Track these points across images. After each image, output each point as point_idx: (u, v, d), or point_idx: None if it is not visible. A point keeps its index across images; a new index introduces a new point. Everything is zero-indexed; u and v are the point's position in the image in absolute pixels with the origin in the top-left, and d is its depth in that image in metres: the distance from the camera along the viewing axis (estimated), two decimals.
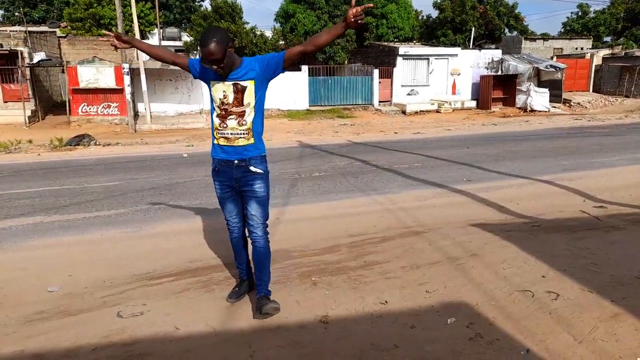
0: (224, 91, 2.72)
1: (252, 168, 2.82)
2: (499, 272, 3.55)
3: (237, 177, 2.84)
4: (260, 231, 2.87)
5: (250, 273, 3.23)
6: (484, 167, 8.14)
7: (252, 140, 2.80)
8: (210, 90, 2.80)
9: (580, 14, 41.49)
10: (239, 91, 2.71)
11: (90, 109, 16.98)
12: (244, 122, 2.76)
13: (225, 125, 2.77)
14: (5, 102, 16.95)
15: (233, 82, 2.70)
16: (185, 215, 5.48)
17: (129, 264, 3.93)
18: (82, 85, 16.64)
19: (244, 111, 2.75)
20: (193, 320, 2.93)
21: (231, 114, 2.75)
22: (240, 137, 2.77)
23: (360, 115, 20.07)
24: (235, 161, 2.81)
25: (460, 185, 6.68)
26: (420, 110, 20.67)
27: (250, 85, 2.72)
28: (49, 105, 19.58)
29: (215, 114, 2.81)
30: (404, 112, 20.46)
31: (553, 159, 8.86)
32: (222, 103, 2.74)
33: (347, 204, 5.90)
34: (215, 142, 2.86)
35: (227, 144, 2.79)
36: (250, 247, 3.02)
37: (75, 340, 2.74)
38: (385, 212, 5.45)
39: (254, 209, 2.85)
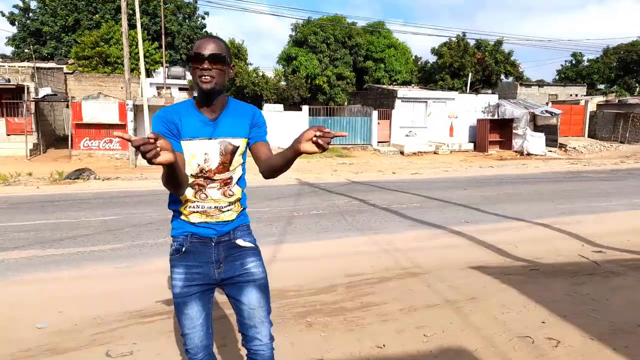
0: (205, 153, 1.91)
1: (239, 242, 2.01)
2: (498, 317, 3.48)
3: (219, 259, 1.97)
4: (265, 335, 1.96)
5: None
6: (482, 209, 8.15)
7: (239, 210, 2.04)
8: (180, 150, 1.87)
9: (574, 62, 42.74)
10: (228, 152, 1.94)
11: (92, 143, 17.16)
12: (230, 193, 1.98)
13: (203, 196, 1.94)
14: (9, 135, 17.14)
15: (219, 139, 1.93)
16: None
17: (122, 301, 3.86)
18: (85, 120, 16.90)
19: (231, 177, 1.98)
20: None
21: (213, 182, 1.95)
22: (226, 211, 1.98)
23: (359, 155, 20.26)
24: (214, 238, 1.97)
25: (458, 227, 6.67)
26: (419, 152, 20.90)
27: (242, 144, 1.98)
28: (52, 139, 19.79)
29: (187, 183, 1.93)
30: (402, 153, 20.68)
31: (551, 203, 8.88)
32: (202, 170, 1.92)
33: (345, 243, 5.86)
34: (183, 218, 1.97)
35: (204, 219, 1.96)
36: None
37: None
38: (382, 252, 5.40)
39: (253, 300, 1.96)
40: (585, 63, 41.97)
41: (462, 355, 2.91)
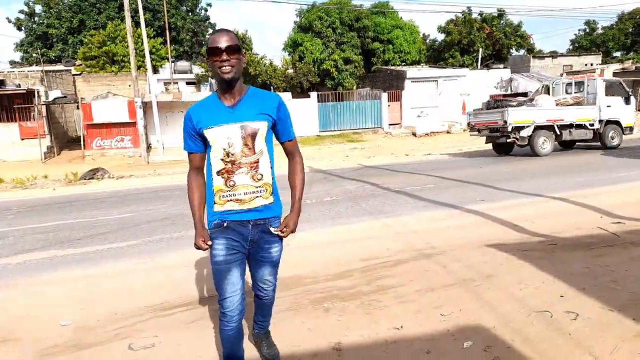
0: (228, 137, 2.09)
1: (273, 229, 2.27)
2: (516, 294, 3.46)
3: (254, 239, 2.24)
4: (270, 291, 2.48)
5: None
6: (497, 186, 8.05)
7: (271, 199, 2.24)
8: (206, 141, 2.14)
9: (588, 30, 41.65)
10: (249, 135, 2.11)
11: (104, 142, 17.37)
12: (259, 177, 2.16)
13: (232, 184, 2.13)
14: (22, 139, 17.43)
15: (240, 123, 2.10)
16: None
17: (141, 296, 3.92)
18: (96, 120, 17.09)
19: (258, 160, 2.15)
20: (205, 351, 2.89)
21: (240, 167, 2.12)
22: (258, 196, 2.17)
23: (370, 138, 20.15)
24: (252, 220, 2.21)
25: (473, 206, 6.60)
26: (431, 132, 20.71)
27: (262, 127, 2.14)
28: (64, 140, 20.08)
29: (215, 172, 2.15)
30: (414, 134, 20.50)
31: (567, 176, 8.73)
32: (228, 154, 2.10)
33: (359, 228, 5.85)
34: (219, 208, 2.19)
35: (240, 207, 2.16)
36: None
37: None
38: (397, 235, 5.39)
39: (267, 274, 2.40)
40: (600, 31, 40.86)
41: (480, 333, 2.90)
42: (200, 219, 2.25)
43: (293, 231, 2.32)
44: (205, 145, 2.18)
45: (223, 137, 2.09)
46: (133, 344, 3.05)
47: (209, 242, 2.16)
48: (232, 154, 2.10)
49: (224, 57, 2.02)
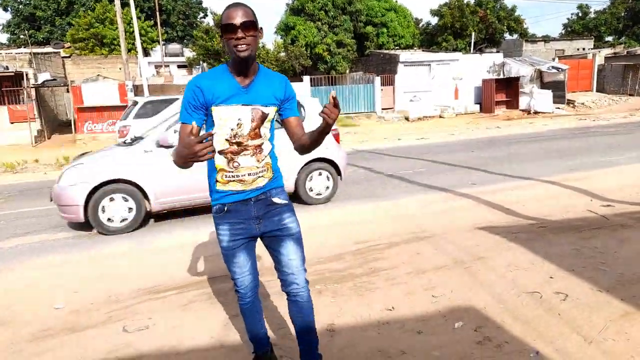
0: (238, 118, 2.00)
1: (275, 200, 2.17)
2: (506, 275, 3.51)
3: (259, 215, 2.14)
4: (302, 280, 2.19)
5: (270, 342, 2.50)
6: (489, 170, 8.10)
7: (271, 174, 2.17)
8: (211, 118, 2.03)
9: (580, 14, 41.54)
10: (259, 119, 2.04)
11: (95, 126, 17.17)
12: (262, 158, 2.10)
13: (236, 164, 2.05)
14: (12, 123, 17.18)
15: (252, 106, 2.02)
16: (190, 226, 5.48)
17: (135, 278, 3.93)
18: (86, 103, 16.86)
19: (262, 144, 2.10)
20: (198, 333, 2.91)
21: (246, 149, 2.05)
22: (260, 177, 2.11)
23: (364, 123, 20.10)
24: (252, 197, 2.13)
25: (465, 189, 6.65)
26: (424, 116, 20.68)
27: (272, 112, 2.09)
28: (55, 124, 19.81)
29: (218, 151, 2.03)
30: (407, 119, 20.48)
31: (559, 160, 8.80)
32: (235, 135, 2.02)
33: (352, 211, 5.88)
34: (221, 187, 2.10)
35: (243, 188, 2.09)
36: (260, 306, 2.40)
37: (82, 356, 2.73)
38: (390, 218, 5.42)
39: (291, 252, 2.16)
40: (592, 15, 40.77)
41: (471, 313, 2.95)
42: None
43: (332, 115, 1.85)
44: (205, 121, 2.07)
45: (233, 118, 1.99)
46: (127, 326, 3.06)
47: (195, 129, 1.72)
48: (240, 136, 2.02)
49: (240, 34, 1.88)
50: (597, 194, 5.92)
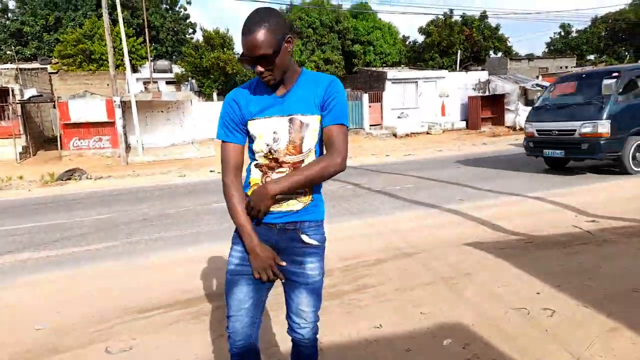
0: (274, 132, 1.76)
1: (304, 237, 1.83)
2: (494, 291, 3.51)
3: (279, 249, 1.83)
4: (308, 333, 1.90)
5: None
6: (476, 186, 8.17)
7: (309, 198, 1.83)
8: (248, 132, 1.81)
9: (562, 34, 42.60)
10: (298, 131, 1.76)
11: (81, 142, 17.01)
12: None
13: (268, 180, 1.78)
14: None
15: (289, 116, 1.76)
16: (175, 245, 5.42)
17: (119, 298, 3.86)
18: (73, 119, 16.71)
19: (302, 161, 1.78)
20: (183, 354, 2.85)
21: (281, 166, 1.78)
22: (295, 200, 1.80)
23: (352, 139, 20.23)
24: (279, 224, 1.81)
25: (452, 205, 6.69)
26: (411, 133, 20.89)
27: (314, 122, 1.77)
28: (41, 140, 19.61)
29: (254, 164, 1.84)
30: (394, 135, 20.66)
31: (544, 176, 8.92)
32: (271, 150, 1.77)
33: (340, 228, 5.86)
34: None
35: (272, 209, 1.78)
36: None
37: None
38: (378, 234, 5.42)
39: (304, 302, 1.86)
40: (574, 34, 41.85)
41: (459, 330, 2.94)
42: (253, 230, 1.79)
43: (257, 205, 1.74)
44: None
45: (269, 131, 1.75)
46: (110, 347, 2.99)
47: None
48: (276, 151, 1.76)
49: (259, 68, 1.68)
50: (582, 210, 6.00)
